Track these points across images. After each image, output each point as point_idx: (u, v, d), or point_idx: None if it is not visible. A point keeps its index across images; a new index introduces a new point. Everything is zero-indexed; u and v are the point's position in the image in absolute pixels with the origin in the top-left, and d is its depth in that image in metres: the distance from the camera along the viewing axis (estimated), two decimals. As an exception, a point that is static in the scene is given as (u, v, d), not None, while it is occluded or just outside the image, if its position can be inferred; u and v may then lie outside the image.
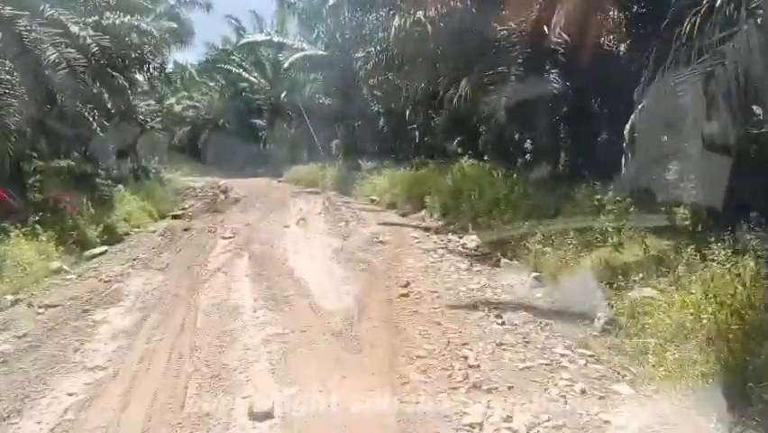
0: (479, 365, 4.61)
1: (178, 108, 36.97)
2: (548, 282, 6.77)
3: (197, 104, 36.62)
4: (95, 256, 9.23)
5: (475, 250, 9.33)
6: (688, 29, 5.18)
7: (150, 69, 19.77)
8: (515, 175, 11.29)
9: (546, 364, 4.64)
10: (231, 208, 15.75)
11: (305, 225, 12.15)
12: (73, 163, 15.73)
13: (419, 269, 7.97)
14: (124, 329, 5.68)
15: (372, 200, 17.85)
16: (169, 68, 40.30)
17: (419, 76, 15.72)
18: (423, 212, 13.81)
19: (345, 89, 23.17)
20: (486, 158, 14.66)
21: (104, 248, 9.70)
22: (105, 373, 4.62)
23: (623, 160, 6.03)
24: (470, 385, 4.23)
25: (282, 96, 29.54)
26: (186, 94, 37.41)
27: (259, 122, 32.13)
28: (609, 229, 6.77)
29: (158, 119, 39.22)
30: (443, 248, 9.49)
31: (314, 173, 25.46)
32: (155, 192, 16.61)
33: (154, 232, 11.73)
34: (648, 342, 4.62)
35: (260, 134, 32.23)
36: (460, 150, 17.33)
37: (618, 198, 7.21)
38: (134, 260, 9.01)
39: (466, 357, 4.77)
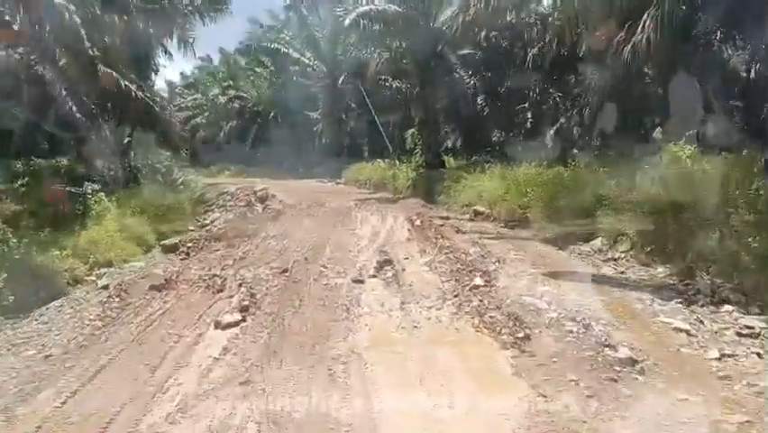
0: None
1: (222, 100, 32.39)
2: None
3: (244, 94, 31.76)
4: None
5: None
6: None
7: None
8: None
9: None
10: (266, 228, 10.07)
11: (394, 277, 6.08)
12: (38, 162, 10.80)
13: None
14: None
15: (477, 212, 11.96)
16: (214, 56, 36.14)
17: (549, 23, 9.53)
18: (599, 240, 7.63)
19: (424, 62, 17.26)
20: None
21: None
22: None
23: None
24: None
25: (340, 80, 24.12)
26: (231, 83, 32.71)
27: (313, 114, 26.80)
28: None
29: (206, 113, 35.34)
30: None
31: (381, 173, 20.09)
32: (163, 202, 11.39)
33: (105, 288, 6.10)
34: None
35: (316, 128, 26.89)
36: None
37: None
38: None
39: None
